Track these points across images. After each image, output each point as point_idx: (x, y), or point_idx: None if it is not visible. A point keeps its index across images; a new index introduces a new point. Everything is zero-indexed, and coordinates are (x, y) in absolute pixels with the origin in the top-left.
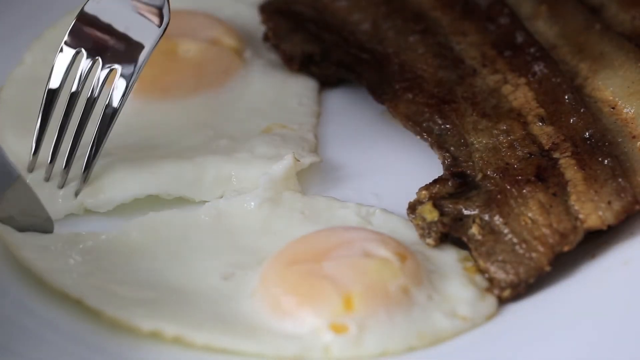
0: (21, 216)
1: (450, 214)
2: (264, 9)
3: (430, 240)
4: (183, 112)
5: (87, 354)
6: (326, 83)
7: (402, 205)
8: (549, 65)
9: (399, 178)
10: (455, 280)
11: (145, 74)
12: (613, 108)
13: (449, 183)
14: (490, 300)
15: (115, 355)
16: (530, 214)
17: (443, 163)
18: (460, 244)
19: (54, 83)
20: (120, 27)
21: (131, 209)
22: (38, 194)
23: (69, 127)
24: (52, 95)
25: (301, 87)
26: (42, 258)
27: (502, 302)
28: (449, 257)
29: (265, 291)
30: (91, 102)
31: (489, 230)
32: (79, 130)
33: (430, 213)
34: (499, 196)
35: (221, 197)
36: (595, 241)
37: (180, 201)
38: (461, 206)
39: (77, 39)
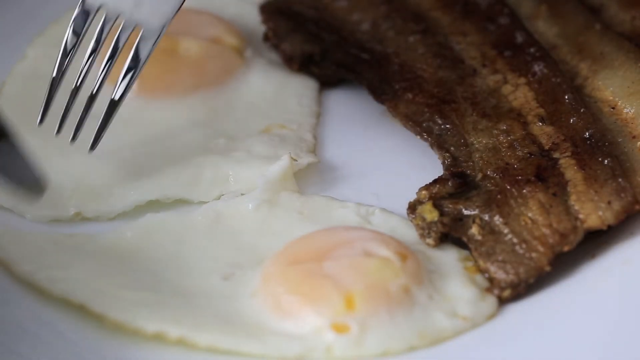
0: (13, 170)
1: (450, 214)
2: (264, 9)
3: (430, 240)
4: (183, 110)
5: (89, 356)
6: (326, 83)
7: (402, 205)
8: (549, 65)
9: (399, 178)
10: (456, 280)
11: (146, 72)
12: (613, 108)
13: (449, 183)
14: (491, 300)
15: (117, 357)
16: (530, 214)
17: (443, 163)
18: (460, 243)
19: (72, 40)
20: None
21: (128, 210)
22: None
23: (83, 87)
24: (68, 52)
25: (301, 87)
26: (40, 269)
27: (502, 302)
28: (449, 257)
29: (266, 291)
30: (109, 62)
31: (489, 230)
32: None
33: (430, 213)
34: (499, 196)
35: (219, 197)
36: (595, 241)
37: (179, 201)
38: (461, 206)
39: None
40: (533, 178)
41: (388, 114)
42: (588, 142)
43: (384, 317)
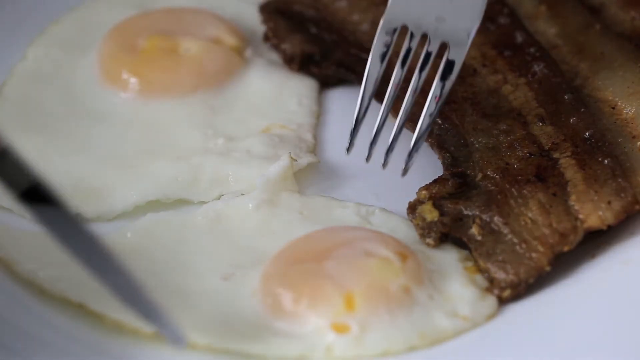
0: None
1: (450, 214)
2: (264, 9)
3: (430, 240)
4: (182, 110)
5: (88, 355)
6: (326, 83)
7: (402, 205)
8: (549, 65)
9: (399, 178)
10: (456, 280)
11: (145, 72)
12: (613, 108)
13: (449, 183)
14: (491, 300)
15: (116, 357)
16: (530, 214)
17: (443, 163)
18: (460, 243)
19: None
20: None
21: (128, 211)
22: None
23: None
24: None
25: (301, 87)
26: (40, 268)
27: (503, 302)
28: (449, 257)
29: (266, 291)
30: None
31: (489, 230)
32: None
33: (430, 213)
34: (499, 196)
35: (219, 197)
36: (595, 241)
37: (179, 201)
38: (461, 206)
39: (398, 15)
40: (533, 178)
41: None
42: (588, 142)
43: (384, 317)
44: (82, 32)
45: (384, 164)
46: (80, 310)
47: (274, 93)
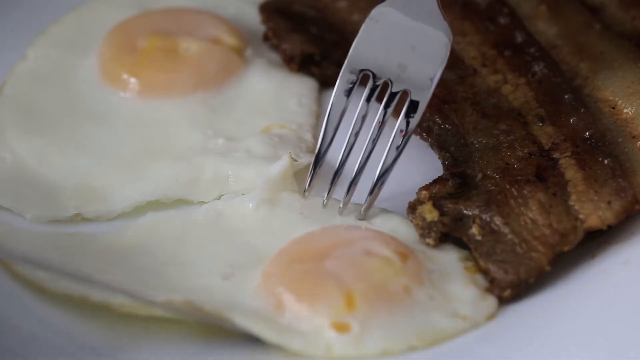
0: None
1: (450, 214)
2: (263, 9)
3: (430, 240)
4: (182, 110)
5: (86, 356)
6: (326, 83)
7: (402, 205)
8: (549, 65)
9: (399, 178)
10: (456, 280)
11: (145, 72)
12: (613, 108)
13: (449, 183)
14: (491, 300)
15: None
16: (530, 214)
17: (443, 163)
18: (461, 243)
19: (338, 105)
20: (403, 47)
21: (128, 210)
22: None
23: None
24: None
25: (301, 87)
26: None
27: (503, 302)
28: (450, 257)
29: (266, 290)
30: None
31: (489, 230)
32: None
33: (430, 213)
34: (499, 196)
35: (219, 197)
36: (595, 241)
37: (179, 201)
38: (461, 206)
39: (361, 60)
40: (533, 178)
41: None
42: (588, 142)
43: (385, 317)
44: (82, 32)
45: (341, 211)
46: (80, 308)
47: (274, 93)
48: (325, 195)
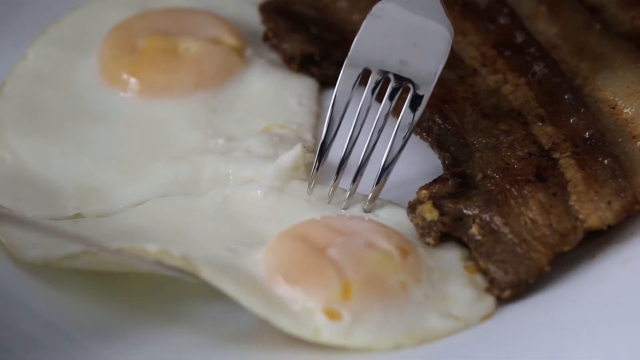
0: None
1: (450, 214)
2: (263, 9)
3: (430, 240)
4: (182, 110)
5: (86, 355)
6: (326, 83)
7: (402, 204)
8: (549, 65)
9: (399, 178)
10: (455, 279)
11: (145, 72)
12: (613, 108)
13: (449, 183)
14: (489, 301)
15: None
16: (530, 214)
17: (443, 163)
18: (464, 242)
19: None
20: (405, 43)
21: None
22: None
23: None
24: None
25: (301, 87)
26: (47, 251)
27: (502, 302)
28: (451, 255)
29: (270, 260)
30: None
31: (489, 230)
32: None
33: (430, 213)
34: (499, 196)
35: None
36: (595, 241)
37: None
38: (461, 206)
39: (362, 55)
40: (533, 178)
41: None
42: (588, 142)
43: (377, 312)
44: (82, 32)
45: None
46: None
47: (274, 93)
48: (331, 185)
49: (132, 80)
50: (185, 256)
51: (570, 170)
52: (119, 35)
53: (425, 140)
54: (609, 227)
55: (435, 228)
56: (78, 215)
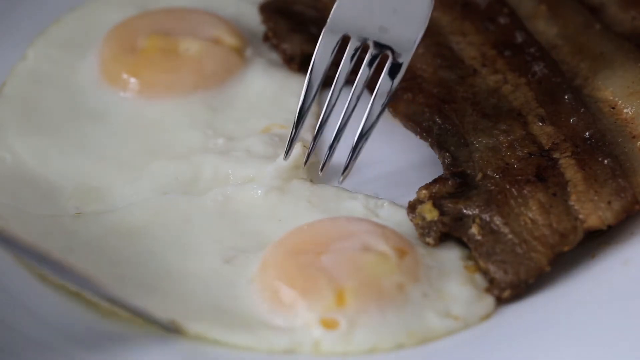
0: None
1: (450, 214)
2: (263, 9)
3: (430, 240)
4: (182, 110)
5: (84, 355)
6: (326, 83)
7: (402, 204)
8: (549, 65)
9: (398, 177)
10: (454, 278)
11: (145, 72)
12: (613, 108)
13: (449, 183)
14: (488, 301)
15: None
16: (530, 214)
17: (443, 163)
18: (464, 242)
19: (320, 66)
20: (385, 10)
21: None
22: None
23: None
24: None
25: (301, 87)
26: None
27: (502, 302)
28: (451, 254)
29: (263, 280)
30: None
31: (489, 230)
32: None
33: (430, 212)
34: (499, 196)
35: None
36: (595, 241)
37: None
38: (461, 206)
39: (342, 22)
40: (533, 178)
41: (388, 114)
42: (588, 142)
43: (374, 314)
44: (82, 32)
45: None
46: (81, 308)
47: (274, 93)
48: (308, 151)
49: (132, 80)
50: (172, 321)
51: (570, 170)
52: (119, 35)
53: (425, 140)
54: (609, 227)
55: (435, 228)
56: (78, 215)
